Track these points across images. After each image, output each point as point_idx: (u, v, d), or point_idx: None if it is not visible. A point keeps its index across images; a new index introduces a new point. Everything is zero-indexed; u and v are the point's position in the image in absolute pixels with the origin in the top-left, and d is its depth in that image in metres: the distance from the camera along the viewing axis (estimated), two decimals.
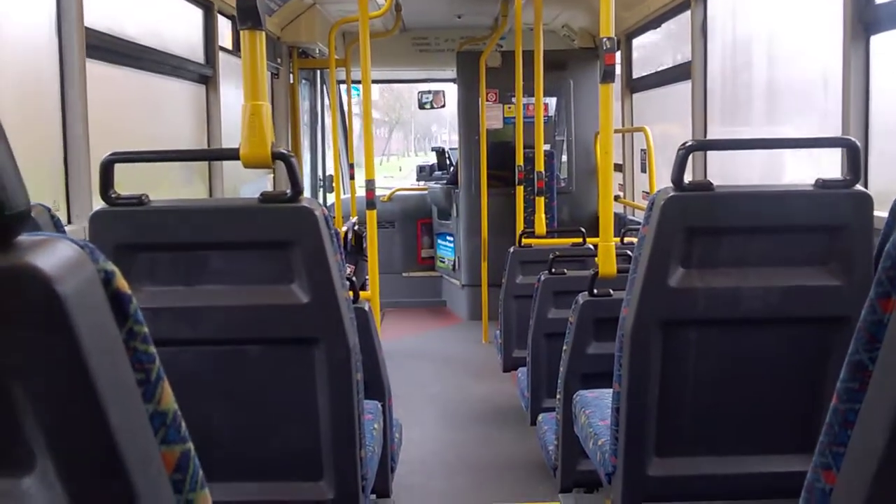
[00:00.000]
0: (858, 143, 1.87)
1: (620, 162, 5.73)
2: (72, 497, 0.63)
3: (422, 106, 8.00)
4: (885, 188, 2.65)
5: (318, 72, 7.20)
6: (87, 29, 2.60)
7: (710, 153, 4.15)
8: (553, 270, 3.39)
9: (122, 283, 0.70)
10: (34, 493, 0.62)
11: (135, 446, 0.67)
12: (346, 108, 7.19)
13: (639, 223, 2.57)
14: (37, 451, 0.63)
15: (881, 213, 1.87)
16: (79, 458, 0.64)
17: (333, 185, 6.88)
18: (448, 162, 7.92)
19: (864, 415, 0.84)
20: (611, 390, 2.01)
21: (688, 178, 1.88)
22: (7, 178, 0.61)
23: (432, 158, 8.65)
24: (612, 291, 2.63)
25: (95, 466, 0.65)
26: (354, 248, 6.14)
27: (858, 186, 1.84)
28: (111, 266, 0.69)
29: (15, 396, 0.62)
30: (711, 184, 1.86)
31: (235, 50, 4.51)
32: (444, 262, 7.23)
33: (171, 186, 3.70)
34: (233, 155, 1.84)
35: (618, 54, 5.32)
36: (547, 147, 5.93)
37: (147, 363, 0.72)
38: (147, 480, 0.68)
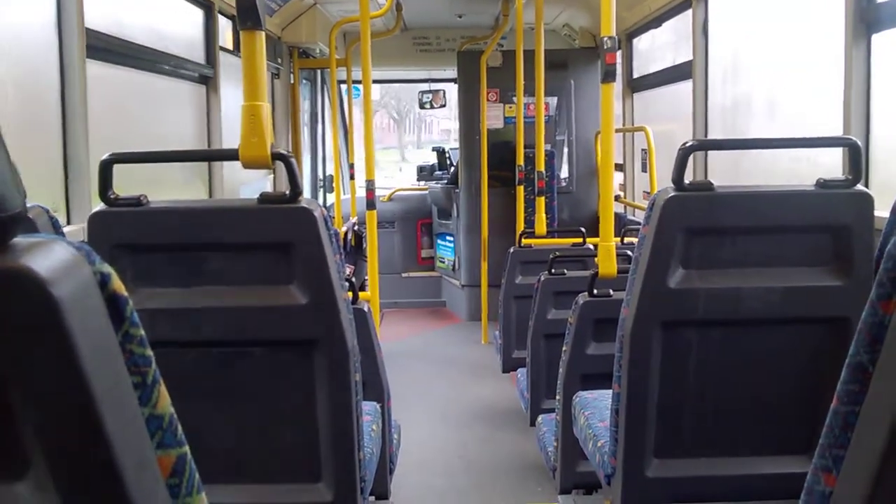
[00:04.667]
0: (860, 143, 1.86)
1: (621, 162, 5.72)
2: (66, 501, 0.63)
3: (422, 105, 8.00)
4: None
5: (319, 72, 7.20)
6: (88, 29, 2.60)
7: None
8: (553, 271, 3.39)
9: (118, 285, 0.69)
10: (28, 498, 0.62)
11: (130, 451, 0.67)
12: (346, 107, 7.19)
13: (639, 223, 2.56)
14: (31, 456, 0.62)
15: (882, 212, 1.87)
16: (73, 462, 0.64)
17: (333, 185, 6.88)
18: (448, 162, 7.92)
19: (865, 417, 0.83)
20: (610, 391, 2.01)
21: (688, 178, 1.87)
22: (2, 179, 0.61)
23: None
24: (612, 292, 2.62)
25: (90, 471, 0.64)
26: (354, 249, 6.14)
27: (859, 186, 1.84)
28: (107, 268, 0.69)
29: (9, 400, 0.62)
30: (712, 184, 1.85)
31: (236, 50, 4.50)
32: (443, 263, 7.22)
33: (170, 187, 3.69)
34: (232, 155, 1.84)
35: (618, 54, 5.31)
36: (547, 147, 5.92)
37: (143, 366, 0.71)
38: (142, 485, 0.68)
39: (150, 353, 0.72)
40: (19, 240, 0.63)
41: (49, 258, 0.63)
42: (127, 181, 1.85)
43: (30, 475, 0.62)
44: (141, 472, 0.68)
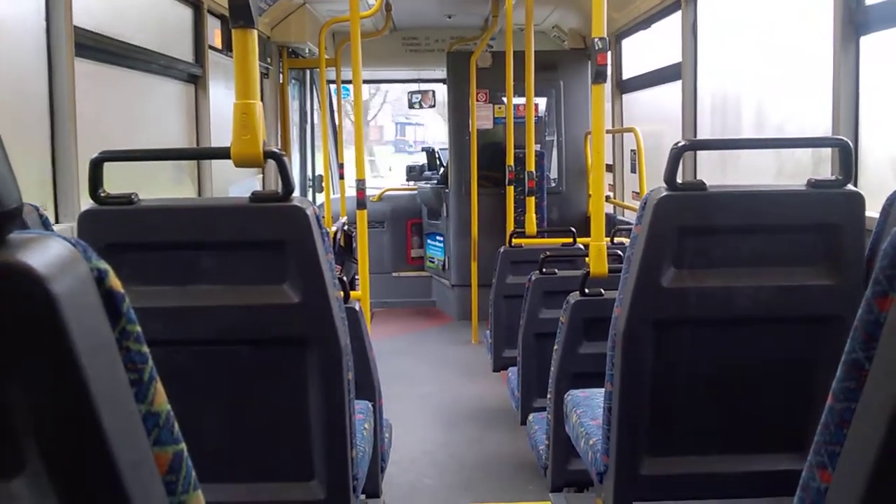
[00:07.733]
0: (850, 143, 1.88)
1: (610, 162, 5.74)
2: (62, 499, 0.62)
3: (411, 105, 7.99)
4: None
5: (308, 71, 7.18)
6: (76, 27, 2.58)
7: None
8: (544, 270, 3.40)
9: (115, 281, 0.69)
10: (24, 495, 0.61)
11: (127, 447, 0.66)
12: (335, 107, 7.18)
13: (628, 223, 2.58)
14: (27, 452, 0.62)
15: (872, 212, 1.88)
16: (70, 459, 0.63)
17: (323, 184, 6.86)
18: (438, 162, 7.92)
19: (861, 414, 0.84)
20: (602, 390, 2.01)
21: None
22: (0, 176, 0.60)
23: None
24: (603, 291, 2.63)
25: (87, 468, 0.64)
26: (343, 249, 6.12)
27: (850, 186, 1.85)
28: (104, 265, 0.68)
29: (5, 396, 0.61)
30: (704, 183, 1.86)
31: (225, 49, 4.49)
32: (433, 263, 7.22)
33: (158, 185, 3.67)
34: (224, 154, 1.83)
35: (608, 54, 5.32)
36: (537, 147, 5.93)
37: (140, 363, 0.71)
38: (139, 482, 0.67)
39: (146, 350, 0.72)
40: (15, 236, 0.63)
41: (45, 254, 0.62)
42: (113, 179, 1.83)
43: (26, 472, 0.61)
44: (138, 468, 0.67)
